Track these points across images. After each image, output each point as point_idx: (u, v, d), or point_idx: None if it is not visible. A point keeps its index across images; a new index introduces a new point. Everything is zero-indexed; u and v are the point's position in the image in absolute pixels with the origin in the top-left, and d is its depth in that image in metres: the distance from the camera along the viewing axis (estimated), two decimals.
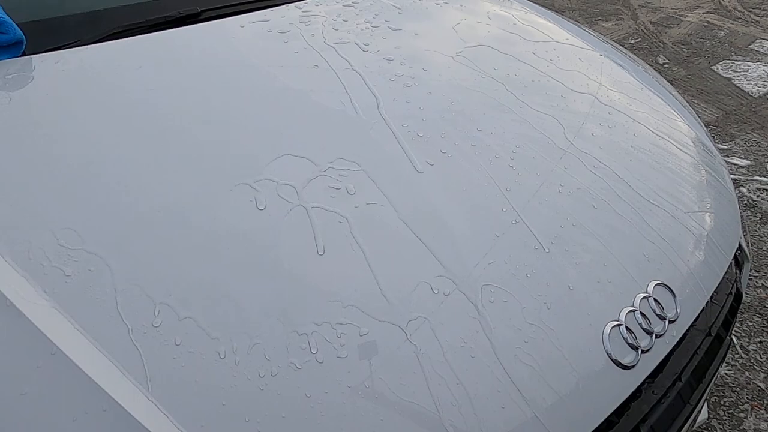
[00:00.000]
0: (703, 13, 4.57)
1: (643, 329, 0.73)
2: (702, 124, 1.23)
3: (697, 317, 0.82)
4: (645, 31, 4.19)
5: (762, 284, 1.92)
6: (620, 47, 1.43)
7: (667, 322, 0.75)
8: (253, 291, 0.62)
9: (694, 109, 1.52)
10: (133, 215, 0.67)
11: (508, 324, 0.66)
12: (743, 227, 1.05)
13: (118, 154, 0.74)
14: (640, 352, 0.71)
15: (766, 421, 1.48)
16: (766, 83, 3.38)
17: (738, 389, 1.56)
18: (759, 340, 1.72)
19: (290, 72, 0.95)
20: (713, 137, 1.95)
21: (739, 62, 3.66)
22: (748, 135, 2.83)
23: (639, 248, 0.81)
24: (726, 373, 1.60)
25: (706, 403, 1.24)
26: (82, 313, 0.57)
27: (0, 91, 0.81)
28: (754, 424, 1.47)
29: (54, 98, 0.81)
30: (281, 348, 0.58)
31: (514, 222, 0.77)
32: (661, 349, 0.75)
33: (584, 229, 0.80)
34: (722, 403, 1.53)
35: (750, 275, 1.93)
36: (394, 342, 0.61)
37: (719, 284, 0.88)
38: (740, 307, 0.98)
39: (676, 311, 0.77)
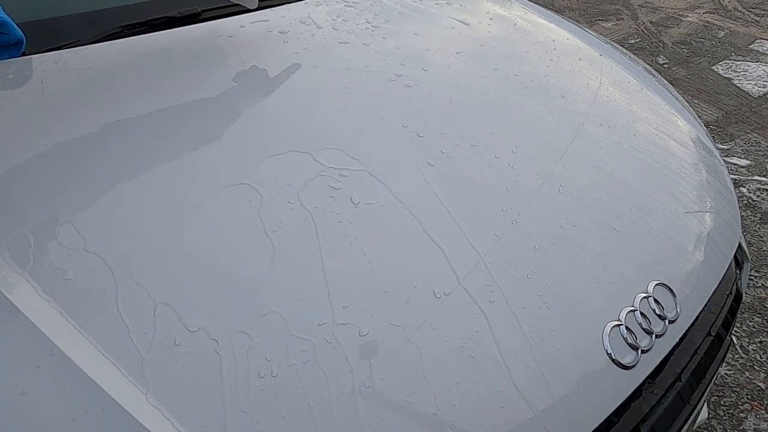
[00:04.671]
0: (703, 13, 4.57)
1: (643, 329, 0.73)
2: (702, 124, 1.23)
3: (697, 317, 0.82)
4: (645, 31, 4.19)
5: (762, 284, 1.92)
6: (620, 47, 1.43)
7: (667, 322, 0.75)
8: (253, 291, 0.62)
9: (694, 109, 1.52)
10: (134, 215, 0.67)
11: (508, 324, 0.66)
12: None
13: (117, 154, 0.74)
14: (640, 352, 0.71)
15: (766, 421, 1.48)
16: (766, 83, 3.38)
17: (738, 389, 1.56)
18: (759, 340, 1.72)
19: (290, 72, 0.95)
20: (713, 137, 1.95)
21: (739, 62, 3.66)
22: (748, 135, 2.84)
23: (639, 248, 0.81)
24: (726, 373, 1.60)
25: (706, 403, 1.24)
26: (82, 313, 0.57)
27: (0, 90, 0.81)
28: (754, 424, 1.47)
29: (54, 98, 0.81)
30: (281, 348, 0.58)
31: (514, 222, 0.77)
32: (661, 349, 0.75)
33: (584, 229, 0.80)
34: (722, 403, 1.53)
35: (750, 275, 1.94)
36: (394, 342, 0.61)
37: (719, 284, 0.88)
38: (740, 307, 0.98)
39: (676, 311, 0.77)
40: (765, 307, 1.83)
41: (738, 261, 1.02)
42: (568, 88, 1.08)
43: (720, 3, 4.79)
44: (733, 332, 1.26)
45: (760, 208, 2.30)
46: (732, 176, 2.27)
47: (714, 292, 0.86)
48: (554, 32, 1.32)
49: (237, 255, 0.65)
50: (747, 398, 1.54)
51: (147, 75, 0.88)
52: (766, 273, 1.97)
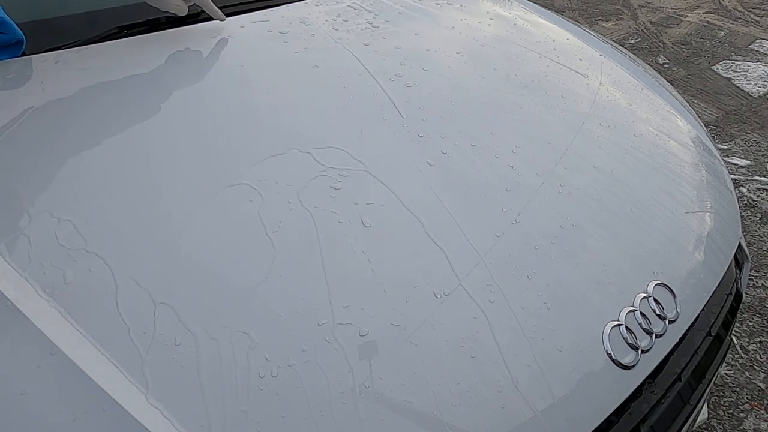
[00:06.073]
0: (703, 13, 4.57)
1: (643, 329, 0.73)
2: (702, 124, 1.23)
3: (697, 317, 0.82)
4: (645, 31, 4.19)
5: (762, 284, 1.92)
6: (620, 47, 1.43)
7: (667, 322, 0.75)
8: (254, 291, 0.62)
9: (694, 109, 1.52)
10: (134, 215, 0.67)
11: (508, 324, 0.66)
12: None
13: (118, 154, 0.74)
14: (640, 352, 0.71)
15: (766, 421, 1.48)
16: (766, 83, 3.38)
17: (738, 389, 1.56)
18: (759, 340, 1.72)
19: (290, 72, 0.95)
20: (713, 137, 1.95)
21: (739, 62, 3.66)
22: (748, 135, 2.84)
23: (639, 248, 0.81)
24: (726, 373, 1.60)
25: (706, 403, 1.24)
26: (82, 313, 0.57)
27: (0, 90, 0.81)
28: (754, 424, 1.47)
29: (54, 98, 0.81)
30: (281, 348, 0.58)
31: (514, 222, 0.77)
32: (661, 349, 0.75)
33: (584, 229, 0.80)
34: (722, 403, 1.53)
35: (750, 275, 1.94)
36: (394, 342, 0.61)
37: (719, 284, 0.88)
38: (740, 307, 0.98)
39: (676, 311, 0.77)
40: (765, 307, 1.83)
41: (738, 261, 1.02)
42: (568, 88, 1.08)
43: (720, 3, 4.79)
44: (733, 332, 1.26)
45: (760, 208, 2.30)
46: (732, 176, 2.27)
47: (714, 292, 0.86)
48: (554, 32, 1.32)
49: (237, 255, 0.65)
50: (747, 398, 1.54)
51: (147, 75, 0.88)
52: (766, 273, 1.97)
